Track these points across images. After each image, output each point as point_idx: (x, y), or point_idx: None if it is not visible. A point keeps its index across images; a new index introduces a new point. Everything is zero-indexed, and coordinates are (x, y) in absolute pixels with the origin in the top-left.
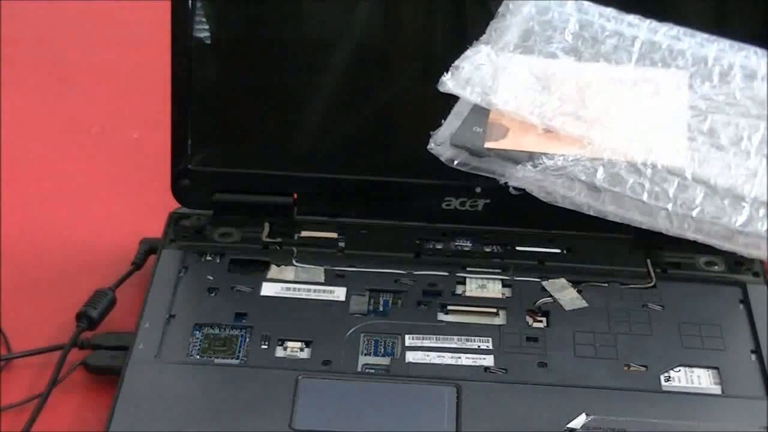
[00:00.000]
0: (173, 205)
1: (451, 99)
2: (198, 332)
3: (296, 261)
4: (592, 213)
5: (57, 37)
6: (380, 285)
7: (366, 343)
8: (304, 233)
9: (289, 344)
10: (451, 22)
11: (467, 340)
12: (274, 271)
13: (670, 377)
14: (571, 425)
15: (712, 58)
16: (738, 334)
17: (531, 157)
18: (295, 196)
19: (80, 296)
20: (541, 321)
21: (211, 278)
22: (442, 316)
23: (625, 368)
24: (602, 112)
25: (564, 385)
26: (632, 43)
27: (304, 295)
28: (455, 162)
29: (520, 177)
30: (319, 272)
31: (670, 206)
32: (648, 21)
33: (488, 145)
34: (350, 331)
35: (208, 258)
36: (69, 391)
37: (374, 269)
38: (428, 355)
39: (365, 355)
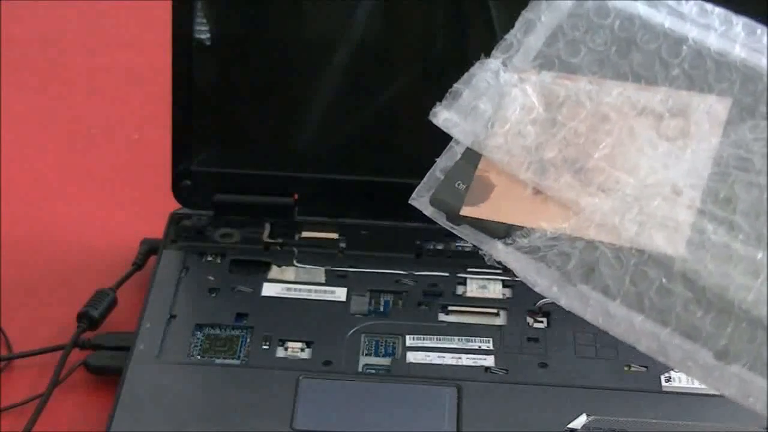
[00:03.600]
0: (174, 205)
1: None
2: (199, 332)
3: (297, 261)
4: (562, 305)
5: (57, 37)
6: (381, 285)
7: (367, 343)
8: (305, 234)
9: (290, 344)
10: (451, 21)
11: (468, 341)
12: (274, 272)
13: (670, 377)
14: (571, 425)
15: (765, 73)
16: None
17: (508, 230)
18: (296, 196)
19: (81, 296)
20: (541, 321)
21: (212, 279)
22: (442, 317)
23: (626, 368)
24: (608, 161)
25: (564, 386)
26: (676, 51)
27: (304, 296)
28: (438, 220)
29: (496, 254)
30: (319, 273)
31: (639, 319)
32: (710, 8)
33: (464, 211)
34: (351, 332)
35: (209, 258)
36: (70, 391)
37: (375, 270)
38: (429, 356)
39: (366, 355)
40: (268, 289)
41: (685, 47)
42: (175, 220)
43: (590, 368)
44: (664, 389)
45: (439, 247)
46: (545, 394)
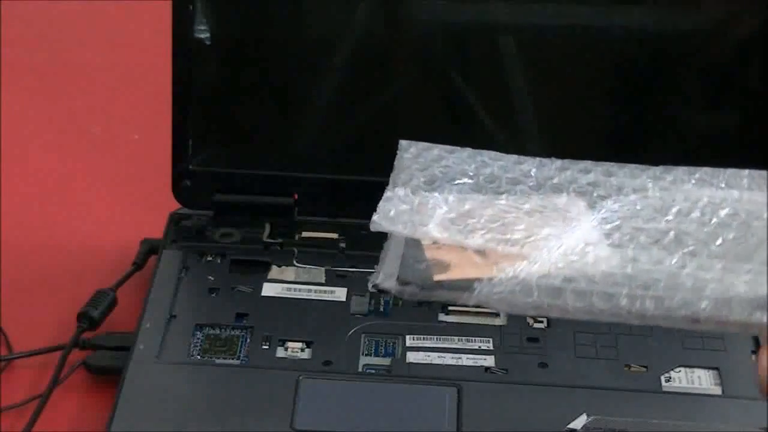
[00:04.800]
0: (174, 205)
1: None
2: (199, 332)
3: (297, 261)
4: (554, 315)
5: (57, 37)
6: None
7: (367, 343)
8: (305, 233)
9: (290, 344)
10: (450, 21)
11: (468, 341)
12: (274, 272)
13: (670, 378)
14: (571, 425)
15: (601, 181)
16: (738, 334)
17: (480, 283)
18: (296, 196)
19: (81, 296)
20: (541, 321)
21: (212, 279)
22: (442, 317)
23: (626, 368)
24: (527, 233)
25: (564, 386)
26: (526, 177)
27: (304, 296)
28: (405, 295)
29: (477, 296)
30: (319, 273)
31: (625, 290)
32: (534, 158)
33: (437, 278)
34: (351, 332)
35: (209, 258)
36: (70, 391)
37: (375, 269)
38: (429, 356)
39: (366, 355)
40: (268, 289)
41: (531, 176)
42: (175, 220)
43: (590, 368)
44: (664, 389)
45: None
46: (545, 394)
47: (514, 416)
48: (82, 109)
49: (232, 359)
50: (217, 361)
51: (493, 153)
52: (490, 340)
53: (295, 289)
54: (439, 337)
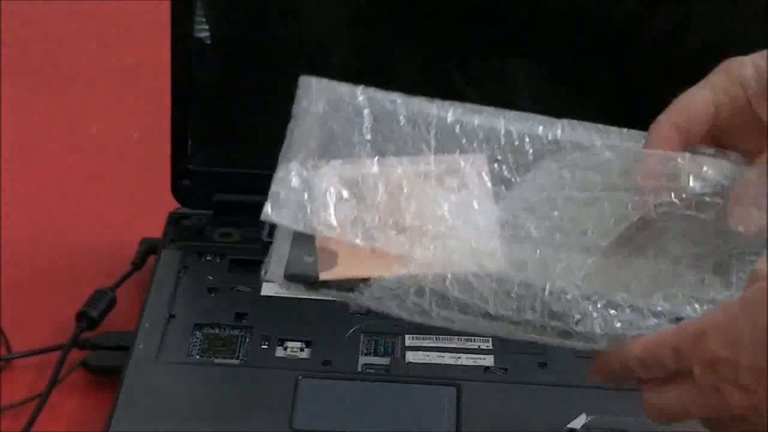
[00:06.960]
0: (173, 205)
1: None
2: (198, 332)
3: None
4: (440, 324)
5: (57, 37)
6: None
7: (366, 342)
8: None
9: (289, 344)
10: (450, 21)
11: (467, 340)
12: None
13: None
14: (571, 425)
15: (502, 132)
16: None
17: (363, 282)
18: None
19: (80, 296)
20: None
21: (212, 278)
22: None
23: None
24: (418, 218)
25: (564, 385)
26: (427, 129)
27: (304, 295)
28: (291, 290)
29: (363, 301)
30: None
31: (511, 313)
32: (435, 102)
33: (322, 276)
34: (350, 331)
35: (208, 258)
36: (69, 391)
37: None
38: (428, 355)
39: (365, 355)
40: (268, 289)
41: (432, 127)
42: (174, 219)
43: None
44: None
45: None
46: (545, 394)
47: (513, 416)
48: (81, 108)
49: (232, 359)
50: (217, 360)
51: (395, 96)
52: (490, 339)
53: None
54: (438, 336)
